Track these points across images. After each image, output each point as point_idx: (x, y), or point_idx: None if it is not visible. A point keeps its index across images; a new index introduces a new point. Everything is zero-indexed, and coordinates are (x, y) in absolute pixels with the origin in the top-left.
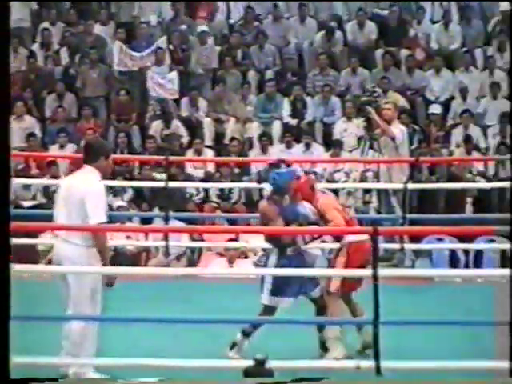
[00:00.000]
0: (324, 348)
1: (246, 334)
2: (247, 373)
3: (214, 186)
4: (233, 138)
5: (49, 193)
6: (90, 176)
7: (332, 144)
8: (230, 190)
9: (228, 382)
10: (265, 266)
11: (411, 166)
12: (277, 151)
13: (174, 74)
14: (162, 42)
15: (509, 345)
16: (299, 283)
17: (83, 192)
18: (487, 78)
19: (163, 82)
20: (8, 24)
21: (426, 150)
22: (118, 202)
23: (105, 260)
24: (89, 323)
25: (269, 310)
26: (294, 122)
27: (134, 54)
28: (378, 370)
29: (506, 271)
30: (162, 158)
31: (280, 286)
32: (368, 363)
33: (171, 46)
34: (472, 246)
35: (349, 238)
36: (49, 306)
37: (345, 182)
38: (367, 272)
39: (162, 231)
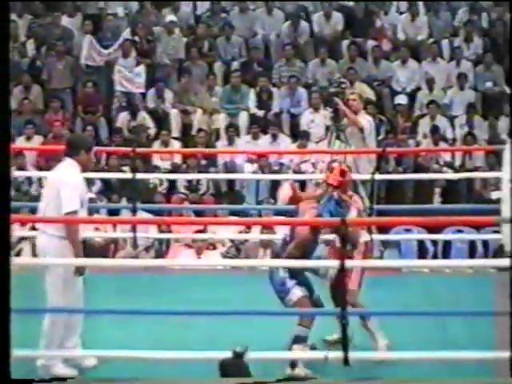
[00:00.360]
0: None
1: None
2: (223, 365)
3: (181, 178)
4: (200, 130)
5: (16, 184)
6: (69, 168)
7: (299, 135)
8: (198, 181)
9: (213, 381)
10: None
11: (378, 156)
12: (243, 142)
13: (141, 68)
14: (127, 33)
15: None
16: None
17: (59, 183)
18: (454, 68)
19: (130, 76)
20: (8, 24)
21: (392, 141)
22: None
23: (76, 250)
24: (59, 315)
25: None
26: (260, 113)
27: (103, 50)
28: (346, 361)
29: (473, 261)
30: (129, 149)
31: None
32: (336, 354)
33: (137, 38)
34: (440, 237)
35: (363, 238)
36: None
37: (312, 173)
38: (334, 263)
39: (129, 223)
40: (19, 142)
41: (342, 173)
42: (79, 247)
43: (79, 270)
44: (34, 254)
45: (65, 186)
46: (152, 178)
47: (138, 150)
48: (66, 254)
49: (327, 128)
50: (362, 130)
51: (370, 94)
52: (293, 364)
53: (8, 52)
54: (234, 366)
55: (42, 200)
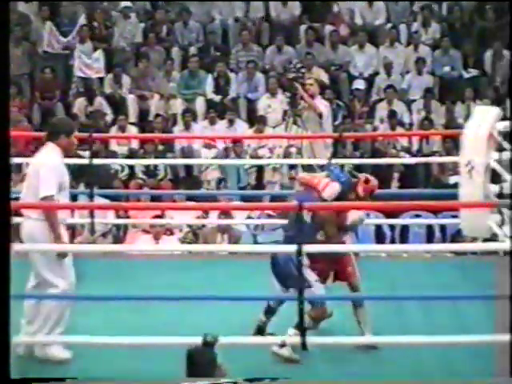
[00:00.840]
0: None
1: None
2: (191, 354)
3: (139, 163)
4: (157, 115)
5: None
6: (49, 153)
7: (256, 120)
8: (156, 166)
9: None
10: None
11: (335, 141)
12: (200, 127)
13: (99, 53)
14: (83, 19)
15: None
16: None
17: (37, 167)
18: (412, 53)
19: (89, 62)
20: (8, 24)
21: (350, 126)
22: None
23: (55, 233)
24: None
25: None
26: (217, 98)
27: (61, 38)
28: (303, 345)
29: (431, 246)
30: (86, 135)
31: None
32: (294, 339)
33: (95, 23)
34: (398, 222)
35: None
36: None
37: (269, 158)
38: (291, 248)
39: (87, 208)
40: None
41: (367, 182)
42: (58, 230)
43: (61, 254)
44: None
45: (43, 169)
46: (111, 163)
47: (95, 135)
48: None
49: (284, 113)
50: (320, 115)
51: (325, 79)
52: (283, 344)
53: (8, 51)
54: (202, 354)
55: (24, 185)
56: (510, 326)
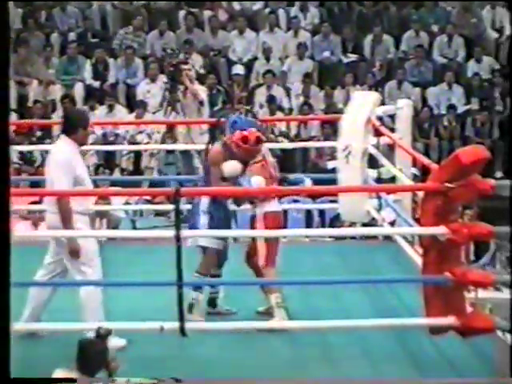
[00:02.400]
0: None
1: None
2: (81, 346)
3: (15, 149)
4: (36, 101)
5: None
6: (63, 147)
7: (135, 105)
8: (31, 152)
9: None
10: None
11: (213, 126)
12: None
13: None
14: None
15: None
16: None
17: (52, 163)
18: (291, 38)
19: None
20: (8, 24)
21: (229, 111)
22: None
23: (68, 224)
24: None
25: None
26: (96, 84)
27: None
28: (182, 330)
29: (310, 231)
30: None
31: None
32: (172, 324)
33: None
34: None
35: (264, 208)
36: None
37: (147, 143)
38: (170, 233)
39: None
40: None
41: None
42: (71, 222)
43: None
44: None
45: (54, 167)
46: None
47: None
48: (80, 227)
49: (163, 99)
50: (201, 102)
51: (204, 65)
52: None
53: (8, 50)
54: (93, 346)
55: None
56: (510, 326)
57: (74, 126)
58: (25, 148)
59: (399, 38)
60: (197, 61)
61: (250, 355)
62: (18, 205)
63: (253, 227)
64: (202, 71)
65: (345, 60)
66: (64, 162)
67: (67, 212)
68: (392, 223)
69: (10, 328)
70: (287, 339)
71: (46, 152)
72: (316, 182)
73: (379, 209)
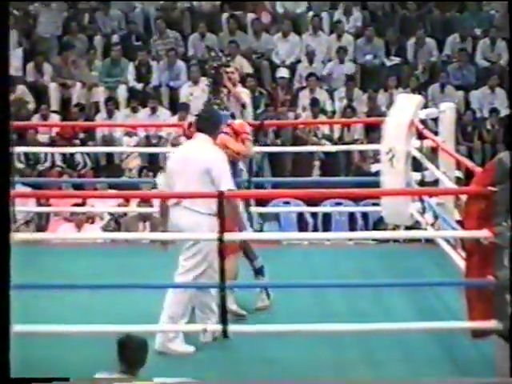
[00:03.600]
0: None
1: None
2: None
3: (59, 151)
4: (79, 103)
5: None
6: (207, 143)
7: (178, 108)
8: (72, 154)
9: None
10: None
11: (256, 129)
12: (122, 116)
13: (19, 52)
14: None
15: None
16: None
17: (208, 161)
18: (335, 41)
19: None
20: (8, 24)
21: (272, 114)
22: None
23: (240, 225)
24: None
25: None
26: (139, 86)
27: None
28: (225, 333)
29: (353, 234)
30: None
31: None
32: (215, 327)
33: (16, 12)
34: (319, 209)
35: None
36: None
37: None
38: (213, 236)
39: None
40: None
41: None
42: (241, 222)
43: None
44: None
45: (216, 164)
46: (31, 152)
47: (17, 123)
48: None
49: (209, 101)
50: (244, 105)
51: (248, 68)
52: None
53: (8, 50)
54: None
55: (174, 175)
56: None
57: (215, 126)
58: (70, 150)
59: (442, 42)
60: (241, 64)
61: (292, 356)
62: (61, 207)
63: None
64: (249, 71)
65: (388, 63)
66: (224, 158)
67: (236, 208)
68: (431, 225)
69: (10, 328)
70: (329, 341)
71: (88, 155)
72: (359, 185)
73: (422, 212)
